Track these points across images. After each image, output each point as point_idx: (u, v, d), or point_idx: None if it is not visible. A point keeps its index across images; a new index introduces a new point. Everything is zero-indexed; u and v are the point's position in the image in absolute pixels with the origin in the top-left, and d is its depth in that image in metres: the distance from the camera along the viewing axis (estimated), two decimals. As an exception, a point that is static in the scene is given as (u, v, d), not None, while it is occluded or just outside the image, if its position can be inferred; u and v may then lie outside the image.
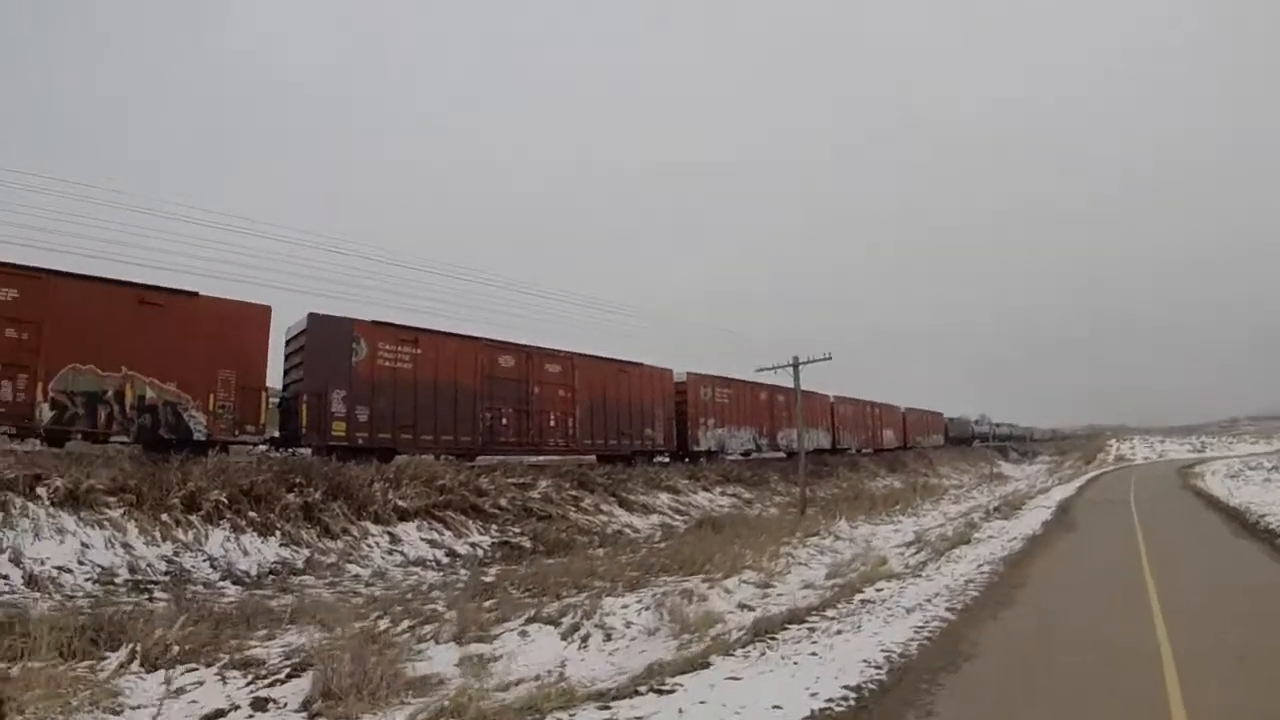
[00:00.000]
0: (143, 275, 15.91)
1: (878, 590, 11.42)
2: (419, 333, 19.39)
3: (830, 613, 9.82)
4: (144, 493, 12.62)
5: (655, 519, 20.80)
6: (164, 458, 14.08)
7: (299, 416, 16.91)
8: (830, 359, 23.71)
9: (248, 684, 6.35)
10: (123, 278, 15.32)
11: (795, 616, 9.30)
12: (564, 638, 8.09)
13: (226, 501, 13.23)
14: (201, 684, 6.36)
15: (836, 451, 38.95)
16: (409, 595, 10.78)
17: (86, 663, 6.60)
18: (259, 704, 5.96)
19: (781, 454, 33.08)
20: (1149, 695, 5.72)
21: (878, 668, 6.72)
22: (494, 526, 16.47)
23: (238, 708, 5.93)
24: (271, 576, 11.93)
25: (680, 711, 5.61)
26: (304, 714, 5.76)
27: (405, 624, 8.32)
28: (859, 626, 8.71)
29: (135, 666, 6.59)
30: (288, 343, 18.25)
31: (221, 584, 11.35)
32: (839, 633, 8.42)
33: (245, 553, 12.54)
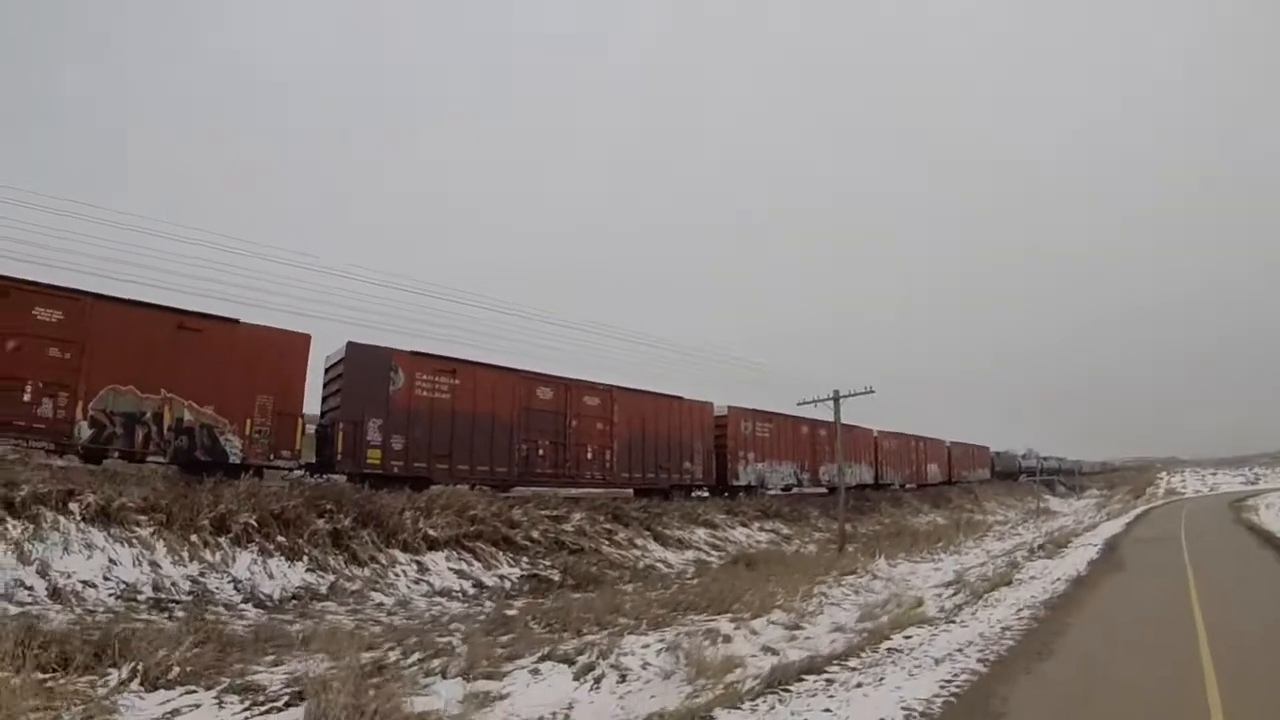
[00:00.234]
0: (191, 303, 16.20)
1: (906, 638, 10.74)
2: (457, 363, 19.42)
3: (853, 662, 9.26)
4: (174, 513, 12.70)
5: (690, 554, 20.37)
6: (198, 479, 14.23)
7: (335, 443, 16.98)
8: (873, 392, 23.23)
9: (244, 710, 6.22)
10: (165, 303, 15.63)
11: (815, 665, 8.79)
12: (577, 678, 7.79)
13: (256, 525, 13.24)
14: (198, 707, 6.25)
15: (880, 487, 38.01)
16: (428, 626, 10.58)
17: (88, 677, 6.56)
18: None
19: (823, 489, 32.36)
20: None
21: (895, 729, 6.19)
22: (524, 559, 16.24)
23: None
24: (294, 601, 11.86)
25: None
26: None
27: (416, 656, 8.11)
28: (881, 679, 8.14)
29: (135, 685, 6.53)
30: (327, 370, 18.41)
31: (243, 606, 11.30)
32: (858, 685, 7.88)
33: (271, 576, 12.50)
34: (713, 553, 21.03)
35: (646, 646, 9.45)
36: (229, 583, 11.94)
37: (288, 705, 6.25)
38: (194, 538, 12.58)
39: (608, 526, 19.55)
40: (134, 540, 12.05)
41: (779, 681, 7.89)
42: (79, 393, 13.98)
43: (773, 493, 29.75)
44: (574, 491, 21.95)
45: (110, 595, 10.69)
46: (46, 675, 6.40)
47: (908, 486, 41.84)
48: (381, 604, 12.44)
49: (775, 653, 9.87)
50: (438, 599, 13.25)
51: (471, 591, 14.09)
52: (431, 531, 15.19)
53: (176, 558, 12.09)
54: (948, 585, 16.34)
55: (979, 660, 8.82)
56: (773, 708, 7.02)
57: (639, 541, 19.78)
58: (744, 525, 24.61)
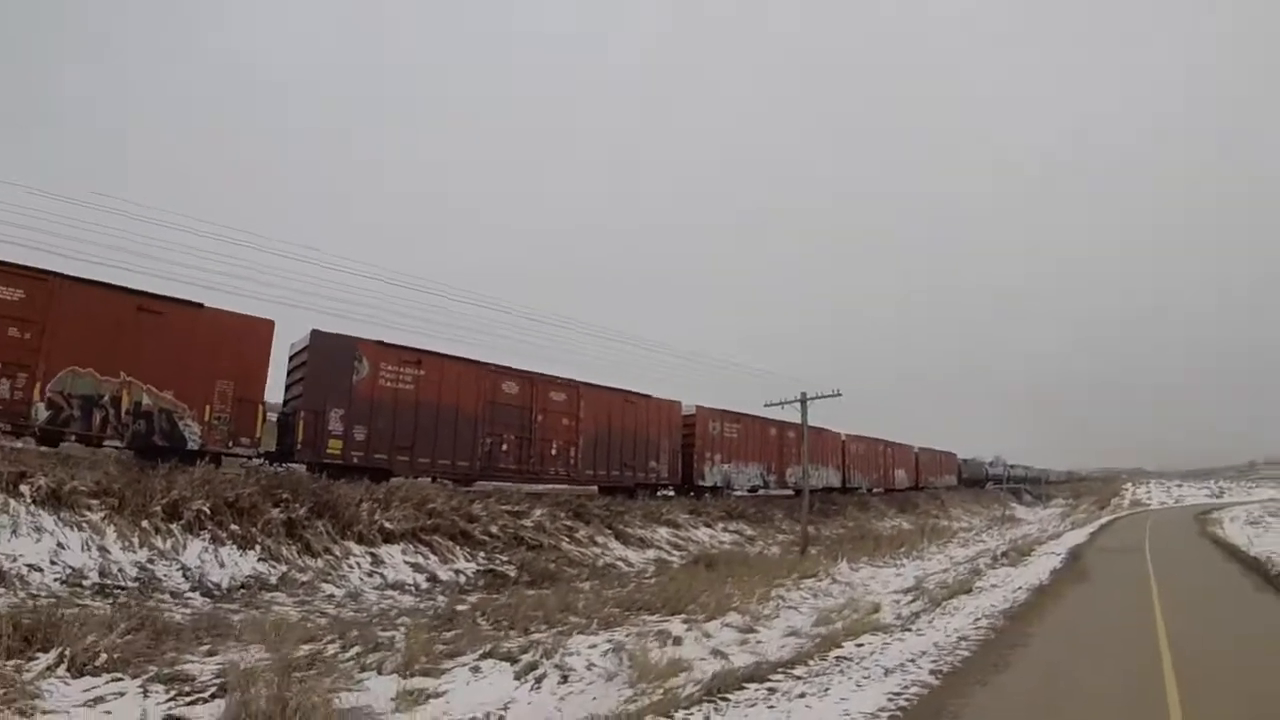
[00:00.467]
0: (159, 286, 16.02)
1: (858, 645, 10.49)
2: (422, 354, 19.34)
3: (799, 670, 8.93)
4: (126, 498, 12.58)
5: (651, 553, 20.43)
6: (155, 465, 14.10)
7: (295, 432, 16.86)
8: (840, 395, 23.32)
9: (168, 699, 6.19)
10: (129, 285, 15.45)
11: (759, 673, 8.54)
12: (518, 677, 7.77)
13: (209, 512, 13.12)
14: (123, 695, 6.21)
15: (847, 490, 38.32)
16: (374, 619, 10.56)
17: (15, 662, 6.50)
18: (172, 723, 5.78)
19: (789, 491, 32.49)
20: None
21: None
22: (481, 554, 16.22)
23: (149, 725, 5.75)
24: (242, 590, 11.77)
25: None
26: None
27: (355, 650, 8.09)
28: (827, 689, 7.84)
29: (62, 670, 6.49)
30: (291, 358, 18.26)
31: (190, 595, 11.22)
32: (801, 696, 7.57)
33: (221, 565, 12.39)
34: (674, 552, 21.09)
35: (594, 647, 9.44)
36: (178, 570, 11.83)
37: (214, 697, 6.21)
38: (145, 523, 12.45)
39: (568, 523, 19.55)
40: (84, 524, 11.92)
41: (720, 689, 7.67)
42: (38, 373, 13.77)
43: (739, 494, 29.88)
44: (537, 487, 21.92)
45: (56, 579, 10.57)
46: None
47: (875, 491, 42.23)
48: (332, 596, 12.40)
49: (725, 656, 9.85)
50: (390, 592, 13.22)
51: (425, 585, 14.05)
52: (388, 524, 15.13)
53: (126, 543, 11.97)
54: (907, 591, 16.42)
55: (931, 672, 8.52)
56: (707, 717, 6.90)
57: (600, 539, 19.81)
58: (708, 526, 24.71)
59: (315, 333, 17.51)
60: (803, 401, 23.21)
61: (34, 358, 13.76)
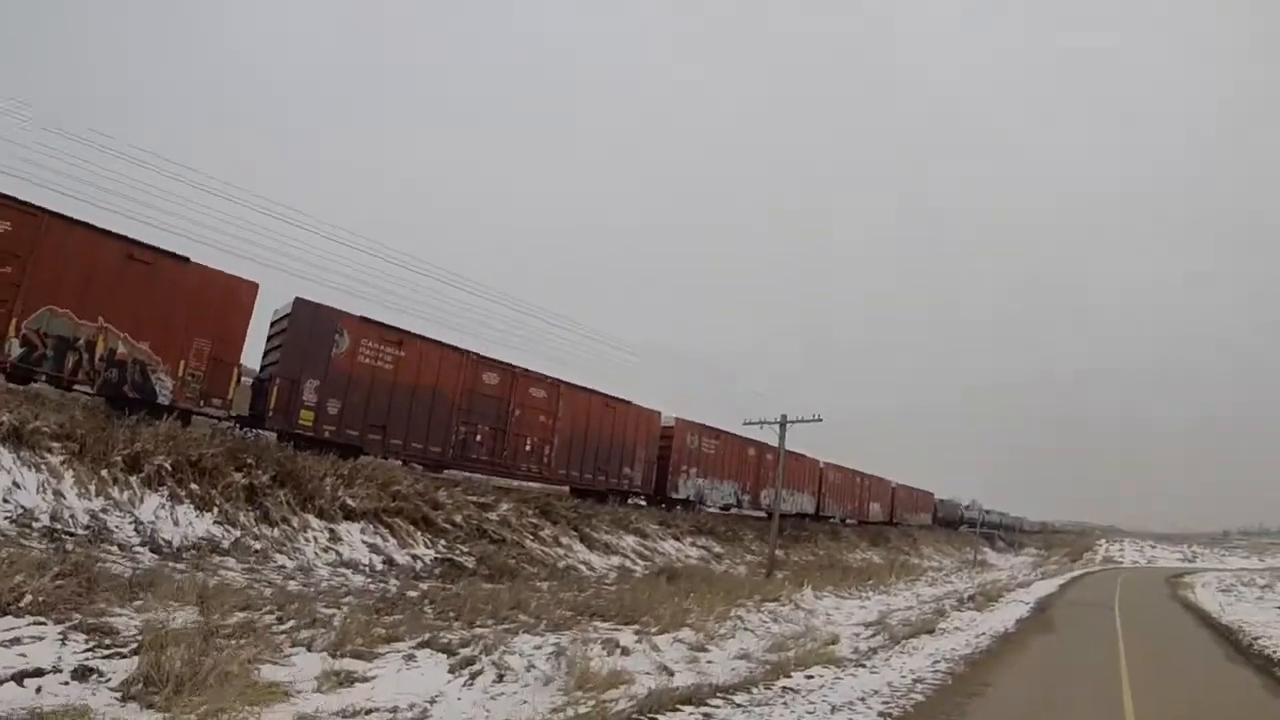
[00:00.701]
0: (147, 235, 15.85)
1: (808, 677, 10.01)
2: (405, 335, 19.17)
3: (741, 698, 8.45)
4: (88, 444, 12.40)
5: (615, 560, 20.30)
6: (122, 415, 13.94)
7: (269, 398, 16.69)
8: (820, 420, 23.25)
9: (86, 650, 6.06)
10: (120, 230, 15.27)
11: (699, 695, 8.11)
12: (452, 670, 7.60)
13: (170, 469, 12.94)
14: (41, 639, 6.07)
15: (820, 518, 38.28)
16: (320, 595, 10.41)
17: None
18: (81, 672, 5.66)
19: (762, 513, 32.36)
20: None
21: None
22: (442, 542, 16.07)
23: (58, 671, 5.63)
24: (192, 551, 11.59)
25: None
26: (119, 694, 5.43)
27: (291, 624, 7.95)
28: None
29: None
30: (272, 324, 18.06)
31: (139, 549, 11.03)
32: None
33: (176, 523, 12.22)
34: (639, 561, 20.96)
35: (539, 648, 9.25)
36: (130, 523, 11.65)
37: (134, 653, 6.07)
38: (104, 473, 12.28)
39: (534, 521, 19.41)
40: (43, 466, 11.75)
41: (654, 707, 7.35)
42: (14, 309, 13.58)
43: (711, 510, 29.79)
44: (508, 482, 21.79)
45: (5, 518, 10.41)
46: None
47: (848, 521, 42.17)
48: (282, 567, 12.24)
49: (669, 673, 9.55)
50: (342, 570, 13.07)
51: (380, 567, 13.90)
52: (350, 501, 14.98)
53: (83, 490, 11.79)
54: (869, 625, 16.19)
55: (880, 714, 8.16)
56: (631, 739, 6.54)
57: (564, 540, 19.67)
58: (676, 539, 24.59)
59: (299, 301, 17.35)
60: (781, 424, 23.13)
61: (14, 293, 13.55)
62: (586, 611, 12.49)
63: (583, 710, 6.81)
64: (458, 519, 16.96)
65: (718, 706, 7.87)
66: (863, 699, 8.81)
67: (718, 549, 25.74)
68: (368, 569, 13.61)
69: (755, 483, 32.20)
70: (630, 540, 22.20)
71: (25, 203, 13.90)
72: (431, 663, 7.74)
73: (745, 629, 13.99)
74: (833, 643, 13.46)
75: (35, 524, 10.53)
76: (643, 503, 26.88)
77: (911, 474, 54.54)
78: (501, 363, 21.68)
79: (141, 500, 12.29)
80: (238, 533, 12.76)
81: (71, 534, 10.68)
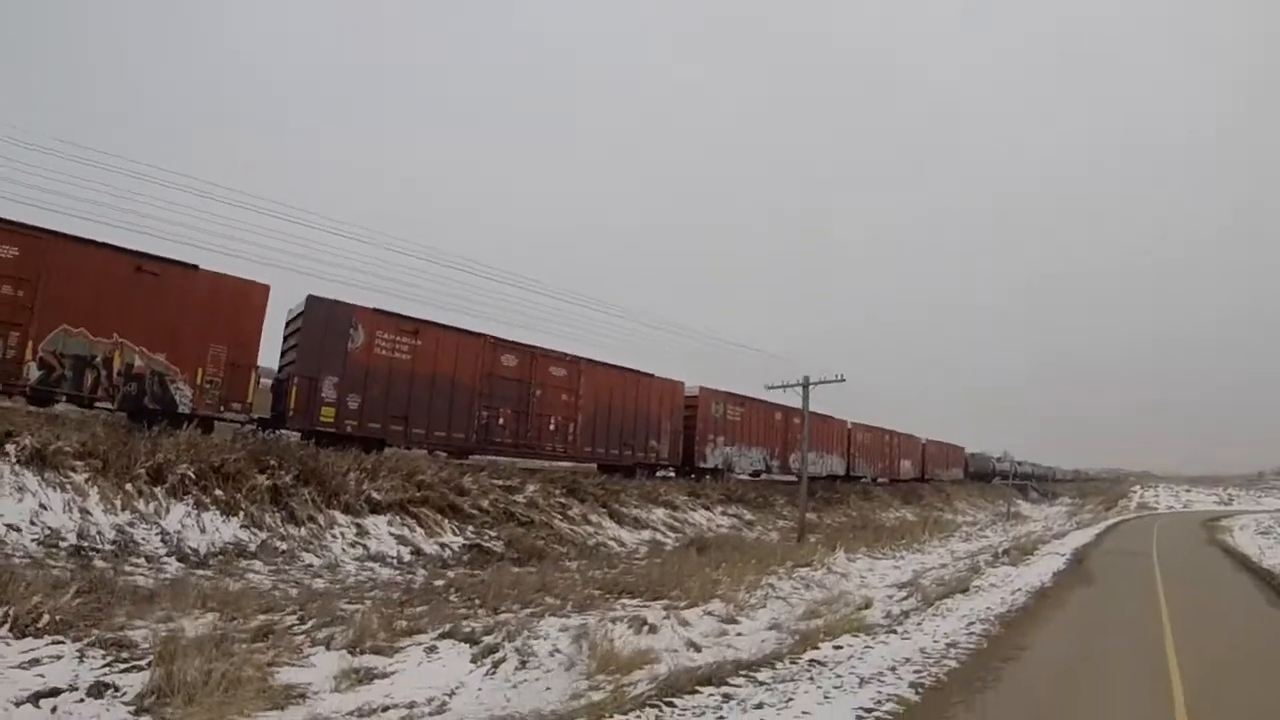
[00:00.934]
0: (155, 246, 15.93)
1: (836, 647, 9.58)
2: (420, 324, 19.18)
3: (765, 674, 8.06)
4: (111, 460, 12.56)
5: (646, 534, 20.29)
6: (145, 427, 14.09)
7: (288, 398, 16.80)
8: (843, 380, 22.90)
9: (104, 665, 6.09)
10: (126, 245, 15.35)
11: (721, 674, 7.77)
12: (475, 660, 7.54)
13: (194, 476, 13.09)
14: (60, 658, 6.12)
15: (850, 479, 38.11)
16: (346, 591, 10.47)
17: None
18: (96, 689, 5.67)
19: (792, 477, 32.14)
20: None
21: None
22: (470, 528, 16.13)
23: (74, 689, 5.65)
24: (219, 557, 11.72)
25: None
26: (133, 707, 5.46)
27: (312, 623, 7.97)
28: (790, 700, 6.97)
29: (4, 631, 6.43)
30: (287, 324, 18.18)
31: (166, 559, 11.17)
32: (759, 707, 6.72)
33: (202, 530, 12.35)
34: (669, 534, 20.94)
35: (565, 630, 9.16)
36: (157, 534, 11.79)
37: (150, 665, 6.09)
38: (129, 486, 12.44)
39: (562, 500, 19.44)
40: (68, 485, 11.93)
41: (669, 691, 7.01)
42: (30, 333, 13.76)
43: (740, 477, 29.70)
44: (534, 463, 21.85)
45: (33, 540, 10.57)
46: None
47: (880, 480, 41.96)
48: (310, 565, 12.34)
49: (697, 649, 9.42)
50: (370, 564, 13.14)
51: (408, 559, 13.97)
52: (375, 494, 15.05)
53: (108, 505, 11.95)
54: (902, 587, 15.86)
55: (912, 684, 7.64)
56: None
57: (593, 518, 19.69)
58: (706, 509, 24.54)
59: (311, 298, 17.38)
60: (804, 385, 22.83)
61: (27, 316, 13.74)
62: (615, 589, 12.31)
63: (598, 697, 6.67)
64: (484, 504, 17.00)
65: (739, 685, 7.55)
66: (893, 669, 8.37)
67: (749, 516, 25.67)
68: (395, 561, 13.68)
69: (784, 447, 32.04)
70: (660, 513, 22.17)
71: (30, 226, 14.05)
72: (454, 653, 7.70)
73: (777, 597, 13.66)
74: (865, 607, 13.21)
75: (62, 544, 10.69)
76: (671, 474, 26.87)
77: (940, 429, 54.00)
78: (519, 344, 21.67)
79: (167, 510, 12.42)
80: (264, 535, 12.88)
81: (98, 550, 10.84)
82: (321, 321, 17.32)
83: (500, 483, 18.28)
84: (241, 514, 13.12)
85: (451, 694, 6.59)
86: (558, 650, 8.26)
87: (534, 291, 24.41)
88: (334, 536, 13.78)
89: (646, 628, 9.93)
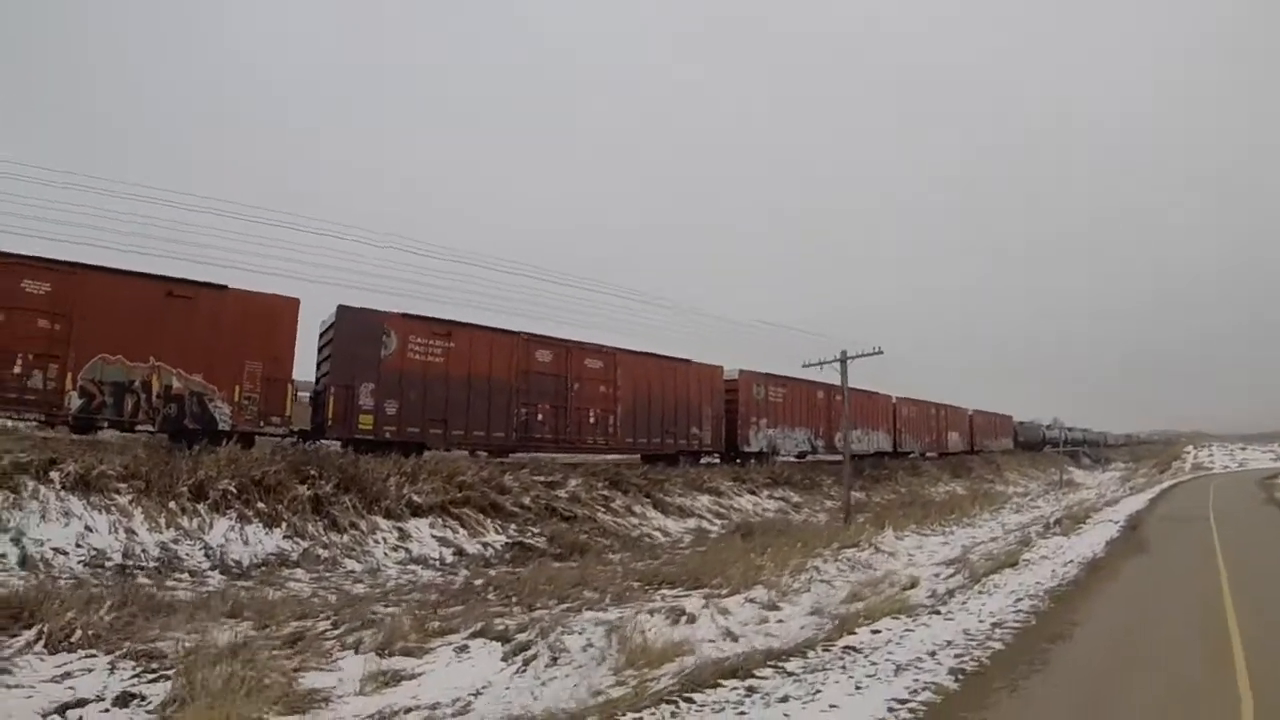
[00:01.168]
0: (183, 269, 16.23)
1: (874, 632, 9.06)
2: (452, 326, 19.23)
3: (795, 663, 7.56)
4: (153, 480, 12.82)
5: (691, 523, 20.12)
6: (187, 447, 14.34)
7: (326, 409, 16.97)
8: (881, 353, 22.28)
9: (133, 676, 6.16)
10: (156, 271, 15.66)
11: (747, 666, 7.32)
12: (505, 658, 7.46)
13: (235, 491, 13.29)
14: (91, 671, 6.22)
15: (898, 455, 37.44)
16: (387, 595, 10.50)
17: (-1, 638, 6.62)
18: (123, 699, 5.74)
19: (839, 456, 31.86)
20: None
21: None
22: (512, 526, 16.12)
23: (101, 700, 5.72)
24: (261, 568, 11.86)
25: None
26: (156, 715, 5.49)
27: (345, 627, 7.99)
28: (818, 691, 6.52)
29: (40, 647, 6.57)
30: (321, 335, 18.37)
31: (209, 573, 11.34)
32: (784, 700, 6.29)
33: (245, 543, 12.52)
34: (715, 521, 20.75)
35: (600, 624, 9.04)
36: (200, 549, 11.98)
37: (179, 675, 6.13)
38: (172, 504, 12.67)
39: (605, 493, 19.36)
40: (112, 507, 12.18)
41: (694, 684, 6.68)
42: (68, 363, 14.15)
43: (785, 459, 29.34)
44: (576, 457, 21.76)
45: (79, 562, 10.81)
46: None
47: (928, 455, 41.22)
48: (351, 572, 12.42)
49: (735, 638, 9.02)
50: (412, 567, 13.19)
51: (450, 560, 14.00)
52: (416, 498, 15.12)
53: (153, 524, 12.18)
54: (950, 564, 15.29)
55: (952, 671, 7.07)
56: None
57: (637, 509, 19.58)
58: (752, 493, 24.29)
59: (341, 308, 17.53)
60: (843, 360, 22.28)
61: (64, 348, 14.13)
62: (656, 580, 12.16)
63: (618, 693, 6.44)
64: (526, 501, 16.99)
65: (766, 677, 7.10)
66: (932, 653, 7.81)
67: (796, 499, 25.34)
68: (438, 563, 13.72)
69: (828, 426, 31.55)
70: (705, 500, 21.98)
71: (61, 261, 14.45)
72: (485, 652, 7.63)
73: (821, 580, 13.27)
74: (911, 586, 12.77)
75: (108, 563, 10.91)
76: (715, 460, 26.65)
77: (988, 400, 53.06)
78: (554, 339, 21.63)
79: (210, 526, 12.62)
80: (306, 544, 13.01)
81: (143, 568, 11.03)
82: (353, 330, 17.46)
83: (542, 479, 18.26)
84: (284, 525, 13.28)
85: (478, 693, 6.50)
86: (590, 645, 8.08)
87: (565, 284, 24.27)
88: (376, 541, 13.87)
89: (685, 618, 9.68)
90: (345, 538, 13.67)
